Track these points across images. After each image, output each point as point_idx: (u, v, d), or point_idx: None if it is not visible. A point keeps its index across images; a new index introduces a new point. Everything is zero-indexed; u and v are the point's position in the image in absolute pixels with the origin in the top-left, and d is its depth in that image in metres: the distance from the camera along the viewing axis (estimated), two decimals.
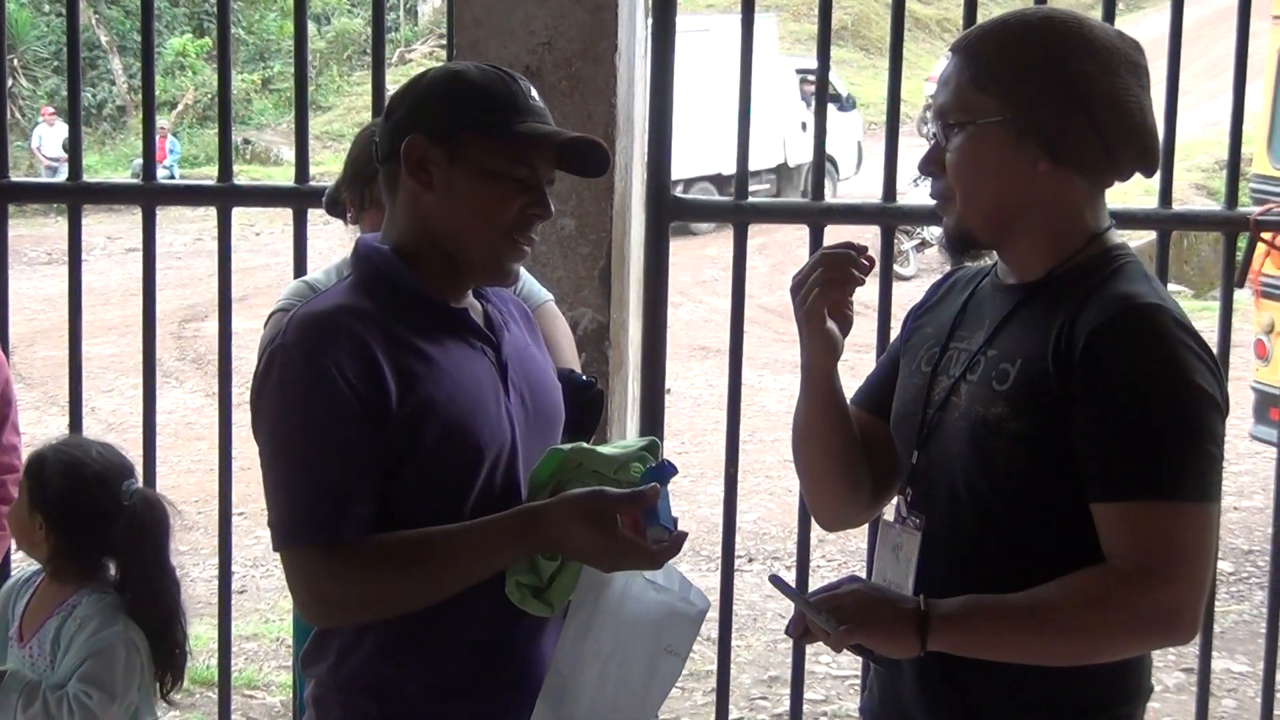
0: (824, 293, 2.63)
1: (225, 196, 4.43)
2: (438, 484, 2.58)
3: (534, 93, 2.67)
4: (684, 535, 2.57)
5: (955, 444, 2.55)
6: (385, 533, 2.54)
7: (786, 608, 7.39)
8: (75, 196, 4.53)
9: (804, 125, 24.36)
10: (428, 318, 2.64)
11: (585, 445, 2.74)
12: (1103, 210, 2.61)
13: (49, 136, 27.27)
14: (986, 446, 2.49)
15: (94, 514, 3.57)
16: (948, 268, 2.96)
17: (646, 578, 2.65)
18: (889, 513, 2.74)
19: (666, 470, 2.60)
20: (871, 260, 2.66)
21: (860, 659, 2.63)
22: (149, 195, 4.50)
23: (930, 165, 2.60)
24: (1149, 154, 2.55)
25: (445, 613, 2.57)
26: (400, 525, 2.55)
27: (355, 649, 2.64)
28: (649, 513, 2.55)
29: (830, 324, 2.67)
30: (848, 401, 2.86)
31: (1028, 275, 2.58)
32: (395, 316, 2.60)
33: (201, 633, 7.57)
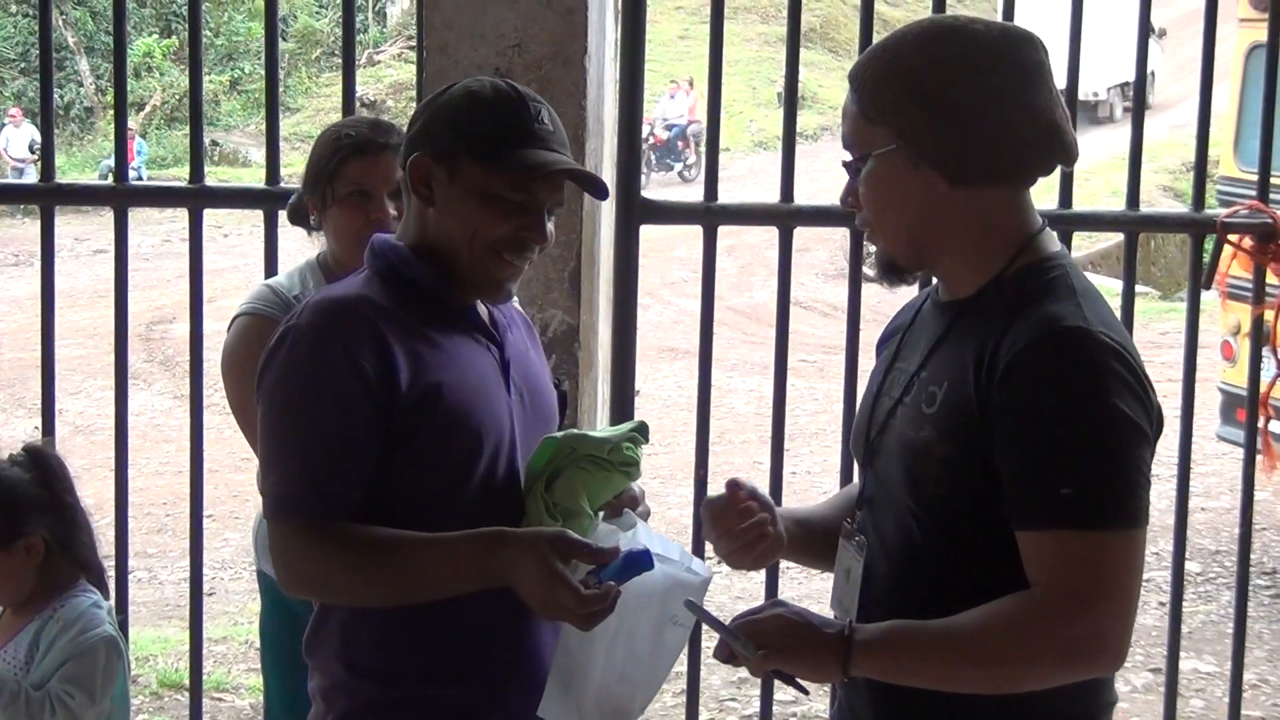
0: (740, 557, 2.69)
1: (197, 198, 4.42)
2: (439, 468, 2.66)
3: (544, 115, 2.73)
4: (615, 591, 2.55)
5: (892, 467, 2.55)
6: (370, 523, 2.61)
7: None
8: (48, 198, 4.51)
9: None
10: (438, 313, 2.74)
11: (577, 431, 2.82)
12: (1028, 213, 2.56)
13: (15, 138, 27.17)
14: (916, 469, 2.48)
15: (21, 500, 3.55)
16: None
17: (653, 550, 2.66)
18: (842, 531, 2.72)
19: (644, 563, 2.60)
20: (746, 501, 2.69)
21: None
22: (121, 196, 4.48)
23: (849, 197, 2.59)
24: (1057, 147, 2.50)
25: (448, 598, 2.63)
26: (400, 507, 2.64)
27: (359, 631, 2.72)
28: (600, 567, 2.58)
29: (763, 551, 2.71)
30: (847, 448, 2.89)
31: (961, 291, 2.55)
32: (408, 309, 2.70)
33: (170, 635, 7.56)
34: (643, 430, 2.83)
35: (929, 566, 2.50)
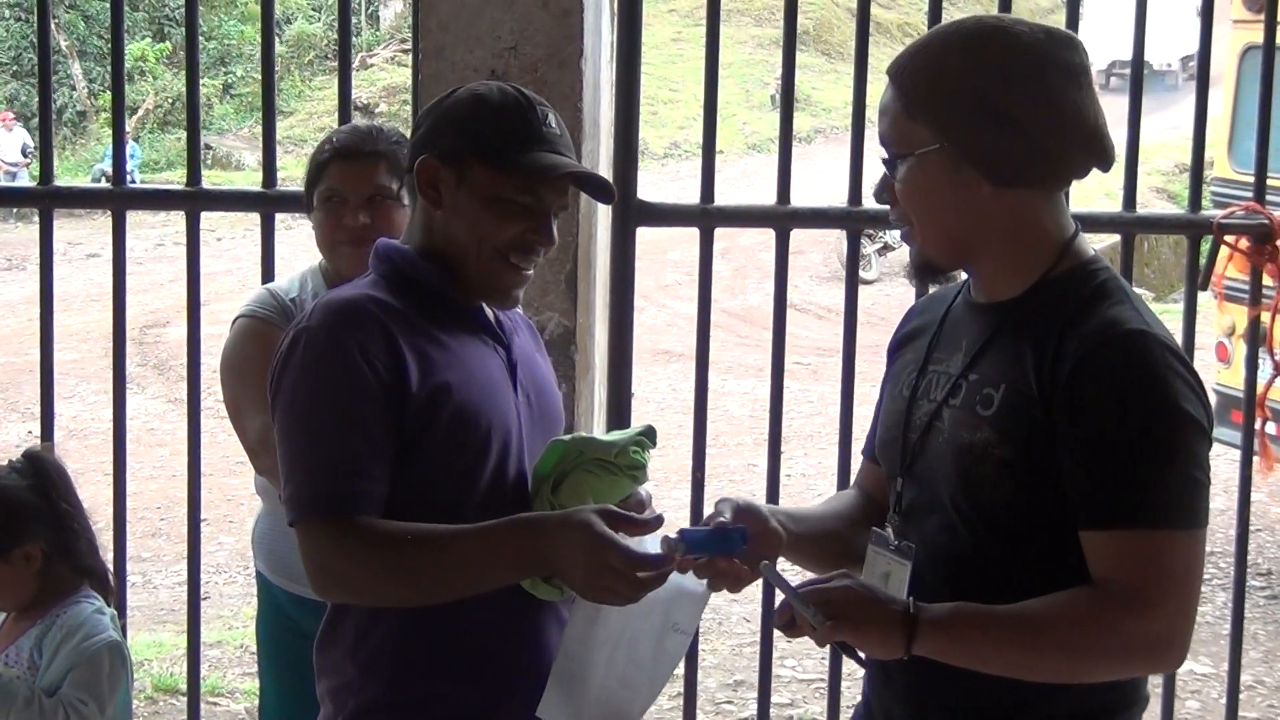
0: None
1: (195, 200, 4.41)
2: (448, 466, 2.66)
3: (551, 119, 2.75)
4: (673, 562, 2.55)
5: (941, 469, 2.53)
6: (395, 519, 2.60)
7: (752, 612, 7.40)
8: (47, 201, 4.51)
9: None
10: (446, 314, 2.75)
11: (584, 434, 2.83)
12: (1065, 216, 2.58)
13: (7, 142, 27.12)
14: (972, 472, 2.47)
15: (23, 509, 3.54)
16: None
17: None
18: (873, 537, 2.68)
19: (735, 540, 2.57)
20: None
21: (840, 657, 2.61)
22: (120, 199, 4.48)
23: (884, 193, 2.59)
24: (1098, 151, 2.52)
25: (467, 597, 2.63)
26: (408, 509, 2.62)
27: (372, 631, 2.71)
28: (685, 538, 2.56)
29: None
30: (862, 455, 2.91)
31: (1002, 293, 2.56)
32: (416, 310, 2.71)
33: (166, 640, 7.55)
34: (650, 434, 2.83)
35: (978, 570, 2.49)
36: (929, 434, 2.57)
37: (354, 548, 2.56)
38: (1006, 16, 2.56)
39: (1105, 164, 2.55)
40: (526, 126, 2.71)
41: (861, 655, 2.54)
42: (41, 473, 3.61)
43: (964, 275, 2.68)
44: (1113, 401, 2.37)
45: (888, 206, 2.62)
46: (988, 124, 2.44)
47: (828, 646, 2.59)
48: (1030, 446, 2.42)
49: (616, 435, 2.82)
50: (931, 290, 2.94)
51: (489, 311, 2.84)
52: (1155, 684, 5.07)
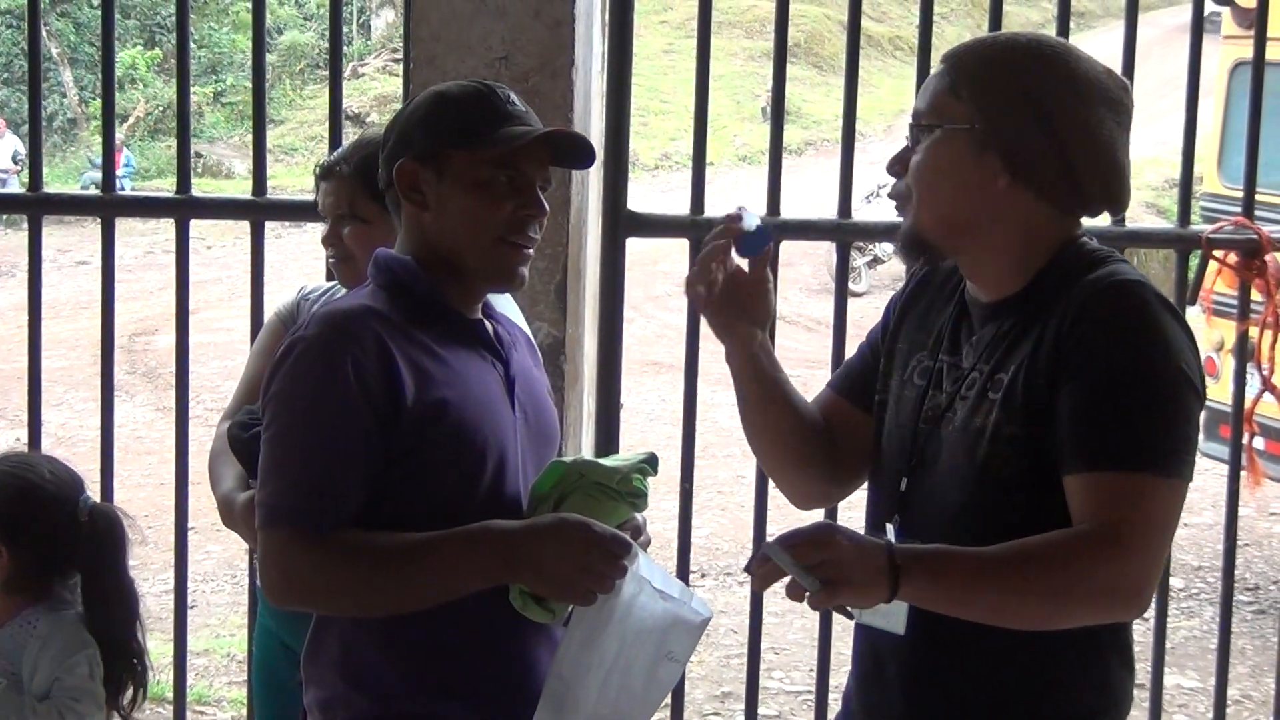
0: (708, 300, 2.81)
1: (184, 208, 4.41)
2: (442, 486, 2.66)
3: (514, 98, 2.77)
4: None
5: (951, 460, 2.55)
6: (369, 530, 2.60)
7: (740, 624, 7.38)
8: (36, 207, 4.52)
9: None
10: (444, 326, 2.75)
11: (586, 458, 2.85)
12: (1071, 229, 2.62)
13: None
14: (981, 454, 2.49)
15: (50, 534, 3.53)
16: (900, 285, 2.95)
17: (655, 586, 2.67)
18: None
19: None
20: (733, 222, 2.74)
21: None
22: (109, 206, 4.48)
23: (896, 165, 2.62)
24: (1115, 192, 2.57)
25: (446, 614, 2.63)
26: (399, 521, 2.62)
27: (357, 644, 2.71)
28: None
29: (739, 320, 2.87)
30: (826, 386, 2.98)
31: (1006, 290, 2.58)
32: (414, 322, 2.70)
33: (153, 648, 7.52)
34: (652, 462, 2.84)
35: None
36: (941, 425, 2.59)
37: (319, 560, 2.58)
38: (1070, 43, 2.63)
39: (1117, 208, 2.61)
40: (492, 107, 2.73)
41: (853, 611, 2.51)
42: (102, 520, 3.59)
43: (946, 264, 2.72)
44: (1109, 348, 2.41)
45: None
46: (1028, 120, 2.49)
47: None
48: (1035, 418, 2.44)
49: (618, 461, 2.82)
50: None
51: (488, 326, 2.84)
52: (1142, 699, 5.07)
